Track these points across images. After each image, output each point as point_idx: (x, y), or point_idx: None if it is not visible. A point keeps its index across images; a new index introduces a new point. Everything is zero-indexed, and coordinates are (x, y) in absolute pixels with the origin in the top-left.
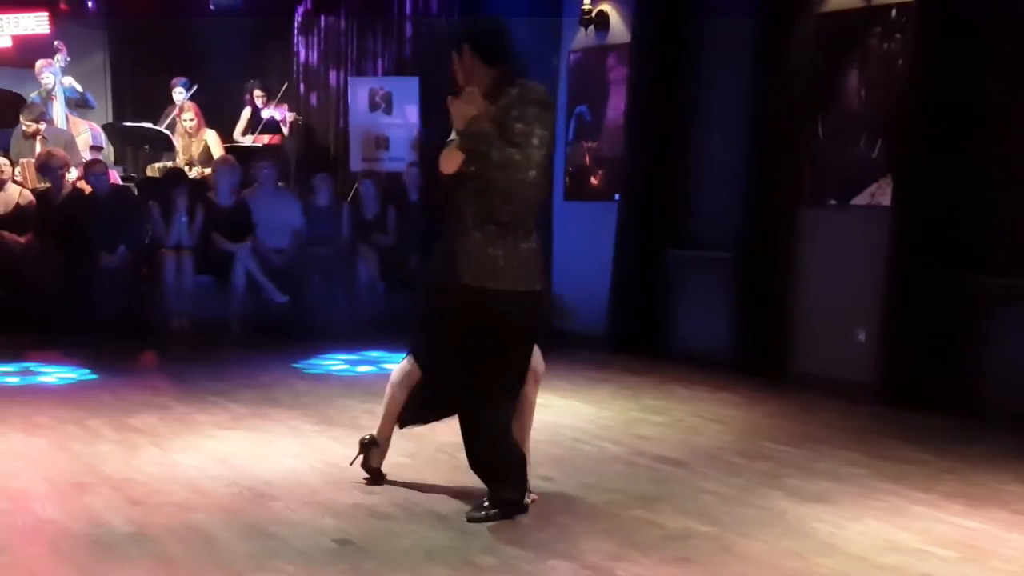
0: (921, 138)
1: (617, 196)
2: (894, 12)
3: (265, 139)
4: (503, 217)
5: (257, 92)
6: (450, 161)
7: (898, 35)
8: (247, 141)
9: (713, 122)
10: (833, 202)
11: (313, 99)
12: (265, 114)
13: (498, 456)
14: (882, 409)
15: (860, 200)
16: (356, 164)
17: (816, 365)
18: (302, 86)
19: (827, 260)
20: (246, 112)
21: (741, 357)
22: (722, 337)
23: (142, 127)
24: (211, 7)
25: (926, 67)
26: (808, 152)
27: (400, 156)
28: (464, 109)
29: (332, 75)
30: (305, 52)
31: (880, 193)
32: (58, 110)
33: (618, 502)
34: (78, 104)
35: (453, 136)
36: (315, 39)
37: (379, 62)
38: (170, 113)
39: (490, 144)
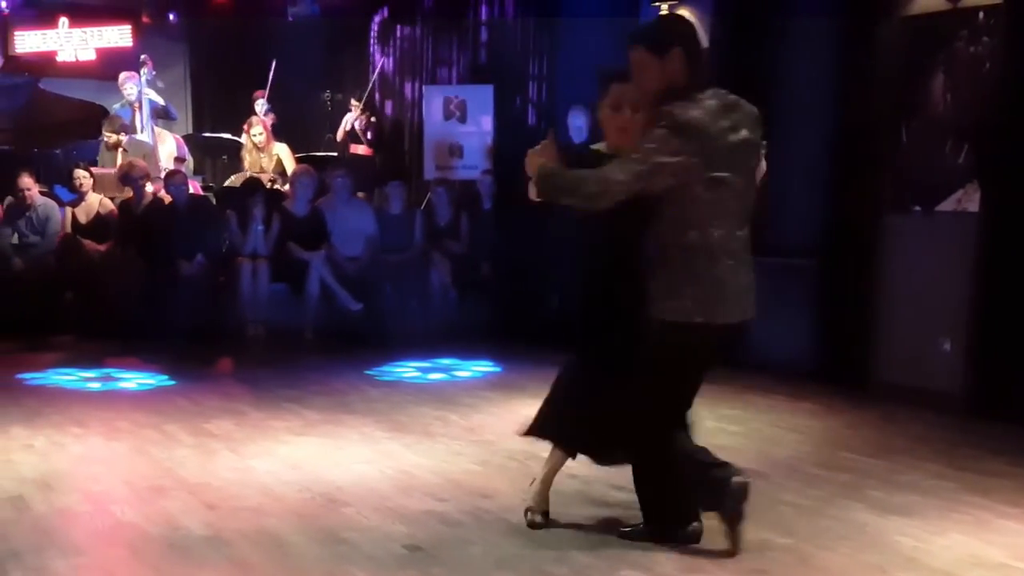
0: (1010, 143)
1: None
2: (981, 14)
3: (360, 149)
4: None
5: (353, 102)
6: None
7: (985, 38)
8: (358, 150)
9: (793, 127)
10: (918, 209)
11: (388, 108)
12: (358, 124)
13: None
14: (967, 420)
15: (946, 207)
16: (430, 172)
17: (899, 375)
18: (377, 95)
19: (911, 268)
20: (348, 117)
21: (821, 366)
22: (802, 346)
23: (220, 138)
24: (289, 18)
25: (1015, 70)
26: (892, 158)
27: (474, 164)
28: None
29: (407, 84)
30: (381, 61)
31: (967, 199)
32: (143, 121)
33: None
34: (159, 115)
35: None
36: (391, 48)
37: (454, 70)
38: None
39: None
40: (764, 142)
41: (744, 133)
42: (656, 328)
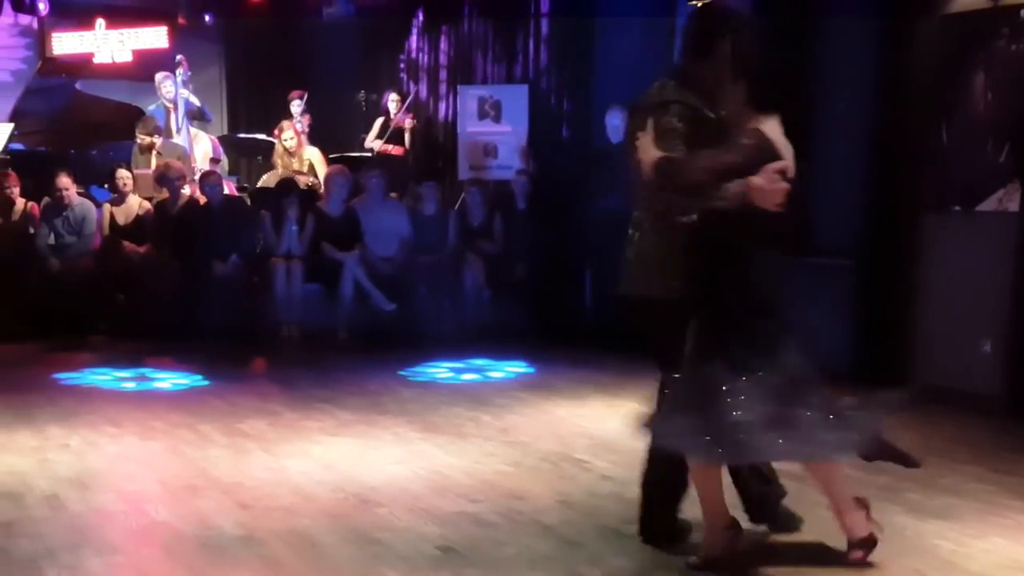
0: None
1: None
2: (1022, 12)
3: (390, 148)
4: None
5: (393, 96)
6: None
7: None
8: (376, 146)
9: (832, 126)
10: (958, 208)
11: (423, 108)
12: (396, 120)
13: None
14: (1007, 422)
15: (986, 206)
16: (464, 172)
17: (938, 376)
18: (412, 95)
19: (951, 268)
20: (379, 120)
21: (860, 367)
22: (840, 346)
23: (255, 138)
24: (324, 18)
25: None
26: (931, 157)
27: (508, 164)
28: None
29: (442, 84)
30: (416, 61)
31: (1008, 199)
32: (178, 122)
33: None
34: (195, 117)
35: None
36: (425, 48)
37: (489, 70)
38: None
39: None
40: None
41: None
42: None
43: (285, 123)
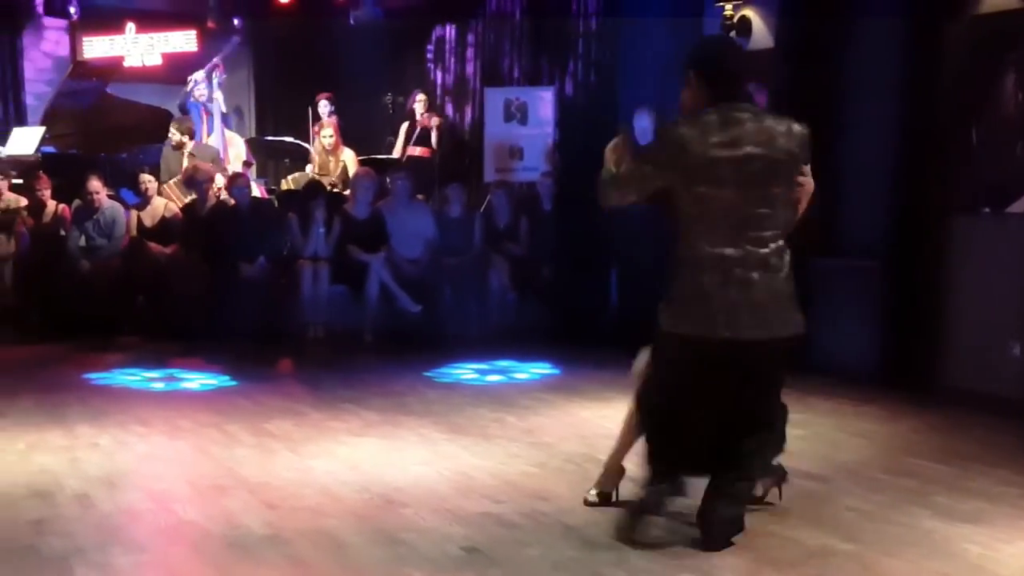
0: None
1: None
2: None
3: (417, 150)
4: None
5: (419, 97)
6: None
7: None
8: (415, 151)
9: (859, 127)
10: (987, 210)
11: (449, 110)
12: (421, 121)
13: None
14: None
15: (1016, 207)
16: (490, 175)
17: (967, 379)
18: (438, 97)
19: (980, 270)
20: (405, 125)
21: (887, 370)
22: (867, 349)
23: (283, 141)
24: (351, 21)
25: None
26: (961, 158)
27: (534, 166)
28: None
29: (469, 86)
30: (443, 63)
31: None
32: (212, 124)
33: (753, 517)
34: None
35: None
36: (452, 51)
37: (515, 72)
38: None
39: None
40: (806, 159)
41: (748, 149)
42: (655, 334)
43: (326, 120)
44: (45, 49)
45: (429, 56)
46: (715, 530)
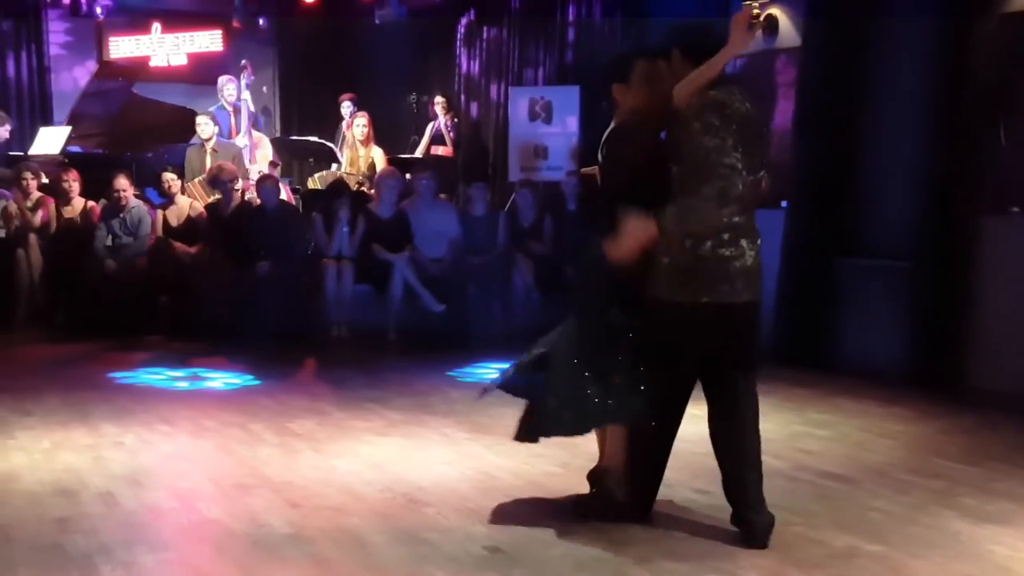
0: None
1: (784, 203)
2: None
3: (440, 150)
4: None
5: (438, 98)
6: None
7: None
8: (438, 151)
9: (887, 126)
10: (1016, 209)
11: (474, 109)
12: (443, 122)
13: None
14: None
15: None
16: (514, 174)
17: (995, 380)
18: (463, 97)
19: (1008, 270)
20: (431, 126)
21: (915, 370)
22: (895, 349)
23: (308, 141)
24: (376, 20)
25: None
26: (989, 158)
27: (558, 165)
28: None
29: (493, 85)
30: (467, 63)
31: None
32: (239, 125)
33: (779, 518)
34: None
35: None
36: (477, 50)
37: (540, 71)
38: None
39: None
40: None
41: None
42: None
43: (359, 112)
44: (70, 49)
45: (454, 55)
46: (760, 532)
